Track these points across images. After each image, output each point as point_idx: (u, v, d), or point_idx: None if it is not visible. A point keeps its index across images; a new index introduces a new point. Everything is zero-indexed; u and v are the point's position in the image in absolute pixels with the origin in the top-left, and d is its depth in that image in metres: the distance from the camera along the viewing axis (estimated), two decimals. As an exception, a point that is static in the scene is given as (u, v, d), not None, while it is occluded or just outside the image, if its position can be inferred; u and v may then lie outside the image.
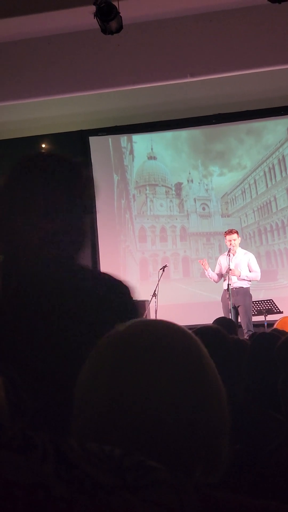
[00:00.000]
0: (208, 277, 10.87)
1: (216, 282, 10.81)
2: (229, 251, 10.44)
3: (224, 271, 10.51)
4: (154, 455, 1.03)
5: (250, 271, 10.60)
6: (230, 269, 10.30)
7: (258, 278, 10.70)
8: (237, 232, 10.73)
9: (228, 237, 10.62)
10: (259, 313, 10.72)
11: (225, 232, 10.80)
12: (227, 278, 10.36)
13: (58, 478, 0.69)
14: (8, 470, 0.68)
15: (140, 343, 1.21)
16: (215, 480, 1.19)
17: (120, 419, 1.12)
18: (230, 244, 10.52)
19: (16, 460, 0.69)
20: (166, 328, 1.25)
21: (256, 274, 10.63)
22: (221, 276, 10.69)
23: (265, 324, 10.50)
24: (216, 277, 10.75)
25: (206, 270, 10.74)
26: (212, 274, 10.79)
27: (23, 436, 0.72)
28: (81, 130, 13.46)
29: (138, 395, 1.14)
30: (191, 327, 2.33)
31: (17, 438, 0.71)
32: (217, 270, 10.81)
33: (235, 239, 10.58)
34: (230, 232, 10.68)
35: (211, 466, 1.19)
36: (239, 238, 10.77)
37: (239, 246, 10.80)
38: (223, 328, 3.24)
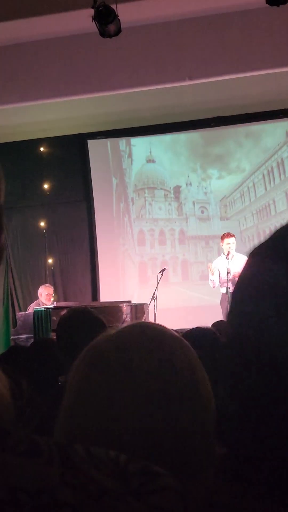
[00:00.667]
0: (210, 281, 10.84)
1: (214, 288, 10.80)
2: (228, 254, 10.45)
3: (223, 275, 10.50)
4: (147, 459, 1.03)
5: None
6: (229, 273, 10.30)
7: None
8: (234, 236, 10.73)
9: (227, 240, 10.61)
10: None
11: (224, 235, 10.77)
12: (225, 281, 10.35)
13: (63, 483, 0.69)
14: (13, 475, 0.68)
15: (129, 347, 1.21)
16: (207, 481, 1.18)
17: (109, 424, 1.12)
18: (230, 248, 10.52)
19: (22, 464, 0.69)
20: (154, 332, 1.25)
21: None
22: (221, 279, 10.68)
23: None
24: (217, 283, 10.74)
25: (213, 274, 10.69)
26: (216, 279, 10.78)
27: (28, 441, 0.72)
28: (80, 134, 13.48)
29: (127, 399, 1.14)
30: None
31: (23, 442, 0.71)
32: (217, 275, 10.80)
33: (234, 242, 10.58)
34: (228, 235, 10.67)
35: (199, 467, 1.18)
36: (235, 242, 10.75)
37: (236, 250, 10.80)
38: (220, 331, 3.24)
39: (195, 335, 3.03)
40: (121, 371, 1.17)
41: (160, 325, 1.29)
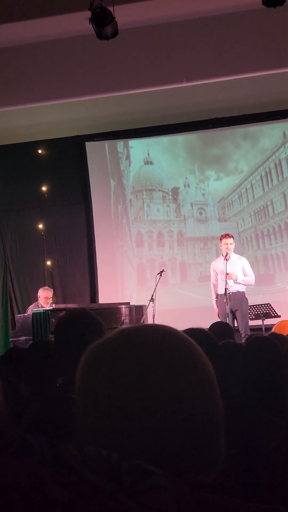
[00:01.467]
0: (212, 284, 10.83)
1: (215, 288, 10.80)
2: (226, 255, 10.44)
3: (220, 276, 10.50)
4: (151, 456, 1.03)
5: (244, 275, 10.61)
6: (228, 273, 10.30)
7: (253, 282, 10.72)
8: (232, 237, 10.74)
9: (224, 240, 10.60)
10: (257, 317, 10.71)
11: (222, 236, 10.78)
12: (223, 282, 10.35)
13: (55, 482, 0.69)
14: (5, 474, 0.67)
15: (135, 346, 1.21)
16: (210, 479, 1.18)
17: (117, 422, 1.12)
18: (227, 248, 10.52)
19: (14, 464, 0.68)
20: (160, 332, 1.25)
21: (251, 278, 10.65)
22: (217, 283, 10.67)
23: (263, 328, 10.50)
24: (214, 282, 10.76)
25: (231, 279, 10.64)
26: (212, 280, 10.78)
27: (21, 440, 0.72)
28: (78, 136, 13.48)
29: (134, 398, 1.14)
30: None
31: (15, 442, 0.71)
32: (213, 275, 10.80)
33: (232, 243, 10.58)
34: (227, 236, 10.67)
35: (207, 465, 1.18)
36: (234, 243, 10.76)
37: (234, 251, 10.79)
38: (219, 332, 3.25)
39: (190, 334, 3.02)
40: (125, 371, 1.17)
41: (163, 325, 1.29)
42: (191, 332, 3.17)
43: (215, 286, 10.78)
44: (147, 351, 1.20)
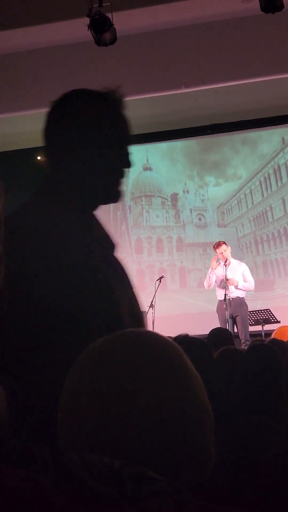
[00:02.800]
0: (207, 278, 10.78)
1: (208, 288, 10.74)
2: (225, 261, 10.44)
3: (220, 281, 10.50)
4: (143, 460, 1.04)
5: (244, 281, 10.60)
6: (228, 279, 10.30)
7: (253, 287, 10.72)
8: (225, 243, 10.65)
9: (218, 250, 10.54)
10: (257, 322, 10.71)
11: (214, 246, 10.70)
12: (223, 288, 10.35)
13: (58, 490, 0.69)
14: (8, 482, 0.67)
15: (124, 352, 1.23)
16: (203, 478, 1.19)
17: (106, 426, 1.13)
18: (222, 256, 10.48)
19: (16, 472, 0.68)
20: (149, 338, 1.27)
21: (251, 284, 10.64)
22: (216, 284, 10.66)
23: (263, 334, 10.49)
24: (212, 284, 10.70)
25: (212, 270, 10.63)
26: (212, 281, 10.73)
27: (22, 449, 0.71)
28: (77, 142, 13.47)
29: (122, 402, 1.16)
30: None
31: (17, 450, 0.71)
32: (213, 278, 10.80)
33: (225, 250, 10.53)
34: (219, 245, 10.59)
35: (199, 466, 1.19)
36: (229, 248, 10.70)
37: (233, 257, 10.78)
38: (218, 337, 3.26)
39: (182, 341, 3.03)
40: (116, 374, 1.19)
41: (153, 332, 1.32)
42: (182, 339, 3.17)
43: (208, 280, 10.71)
44: (131, 356, 1.22)
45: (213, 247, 10.77)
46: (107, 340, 1.27)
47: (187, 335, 3.26)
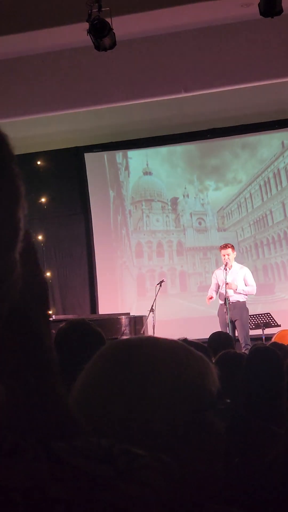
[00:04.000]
0: (207, 300, 10.81)
1: (212, 299, 10.77)
2: (225, 265, 10.45)
3: (221, 285, 10.51)
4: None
5: (246, 285, 10.60)
6: (227, 283, 10.30)
7: (254, 292, 10.72)
8: (232, 247, 10.71)
9: (223, 251, 10.62)
10: (257, 326, 10.72)
11: (220, 247, 10.82)
12: (224, 292, 10.35)
13: (53, 479, 0.69)
14: (3, 475, 0.68)
15: (131, 357, 1.24)
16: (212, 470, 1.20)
17: (108, 429, 1.14)
18: (226, 259, 10.51)
19: (8, 464, 0.69)
20: (155, 344, 1.28)
21: (252, 288, 10.64)
22: (217, 290, 10.67)
23: (263, 337, 10.50)
24: (214, 297, 10.72)
25: (208, 303, 10.69)
26: (212, 288, 10.77)
27: (10, 441, 0.72)
28: (77, 147, 13.50)
29: (126, 406, 1.16)
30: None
31: (6, 443, 0.71)
32: (213, 284, 10.80)
33: (229, 253, 10.56)
34: (225, 246, 10.68)
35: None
36: (234, 253, 10.75)
37: (235, 260, 10.79)
38: (219, 341, 3.26)
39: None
40: (134, 374, 1.20)
41: (158, 338, 1.33)
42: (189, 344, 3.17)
43: (211, 290, 10.77)
44: (137, 362, 1.23)
45: (219, 247, 10.84)
46: (118, 343, 1.28)
47: (185, 339, 3.27)
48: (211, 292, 10.76)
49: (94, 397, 1.19)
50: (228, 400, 1.27)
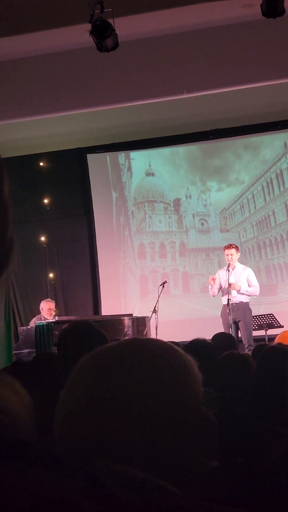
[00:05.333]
0: (209, 290, 10.81)
1: (213, 296, 10.77)
2: (228, 266, 10.45)
3: (224, 286, 10.50)
4: (138, 461, 1.05)
5: (249, 286, 10.60)
6: (230, 284, 10.30)
7: (257, 293, 10.71)
8: (236, 247, 10.71)
9: (226, 251, 10.63)
10: (260, 327, 10.71)
11: (224, 247, 10.82)
12: (226, 293, 10.35)
13: (86, 496, 0.69)
14: (37, 487, 0.68)
15: (126, 359, 1.24)
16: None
17: (105, 431, 1.14)
18: (229, 259, 10.51)
19: (45, 477, 0.69)
20: (151, 345, 1.28)
21: (256, 289, 10.63)
22: (220, 289, 10.66)
23: (266, 338, 10.49)
24: (216, 292, 10.71)
25: (212, 286, 10.66)
26: (215, 288, 10.75)
27: (51, 454, 0.72)
28: (79, 148, 13.50)
29: (122, 407, 1.16)
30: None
31: (46, 455, 0.72)
32: (216, 284, 10.80)
33: (232, 254, 10.56)
34: (229, 246, 10.68)
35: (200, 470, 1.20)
36: (238, 254, 10.75)
37: (238, 261, 10.79)
38: (221, 342, 3.26)
39: (195, 346, 3.05)
40: (120, 379, 1.20)
41: (155, 339, 1.33)
42: (194, 343, 3.18)
43: (212, 290, 10.74)
44: (137, 361, 1.23)
45: (224, 247, 10.84)
46: (110, 346, 1.28)
47: (204, 340, 3.26)
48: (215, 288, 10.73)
49: (85, 413, 1.19)
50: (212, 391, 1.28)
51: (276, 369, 3.16)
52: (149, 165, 13.82)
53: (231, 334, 9.19)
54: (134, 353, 1.25)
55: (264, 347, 3.91)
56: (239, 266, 10.72)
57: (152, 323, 10.73)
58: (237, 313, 10.36)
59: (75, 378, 1.25)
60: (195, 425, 1.22)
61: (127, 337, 10.07)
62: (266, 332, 10.67)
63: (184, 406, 1.22)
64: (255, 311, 10.90)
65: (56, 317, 11.22)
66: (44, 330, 9.95)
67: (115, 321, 10.53)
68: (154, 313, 10.73)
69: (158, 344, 1.29)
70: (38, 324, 10.29)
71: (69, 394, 1.23)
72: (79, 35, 9.32)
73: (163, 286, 11.03)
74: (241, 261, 11.04)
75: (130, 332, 10.35)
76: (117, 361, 1.23)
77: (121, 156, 13.89)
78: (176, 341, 3.73)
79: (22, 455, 0.71)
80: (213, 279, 10.62)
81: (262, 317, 10.83)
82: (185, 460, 1.19)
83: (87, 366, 1.26)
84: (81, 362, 1.27)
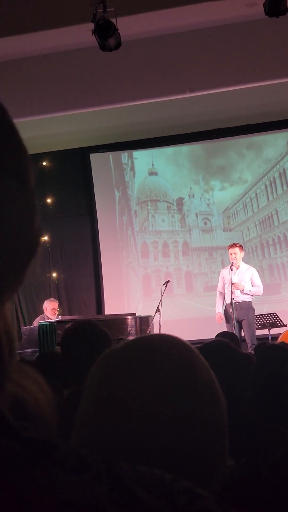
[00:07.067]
0: (218, 292, 10.83)
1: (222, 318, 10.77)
2: (231, 265, 10.45)
3: (227, 285, 10.50)
4: (155, 462, 1.04)
5: (252, 286, 10.59)
6: (234, 283, 10.30)
7: (261, 292, 10.70)
8: (240, 246, 10.71)
9: (230, 250, 10.62)
10: (263, 326, 10.70)
11: (228, 246, 10.82)
12: (230, 292, 10.35)
13: (111, 500, 0.69)
14: (62, 489, 0.67)
15: (140, 356, 1.23)
16: (215, 487, 1.19)
17: (120, 428, 1.13)
18: (234, 258, 10.51)
19: (70, 480, 0.68)
20: (165, 342, 1.27)
21: (259, 288, 10.63)
22: (223, 292, 10.67)
23: (269, 337, 10.48)
24: (222, 303, 10.73)
25: (219, 321, 10.67)
26: (219, 288, 10.77)
27: (76, 456, 0.72)
28: (82, 147, 13.51)
29: (137, 405, 1.16)
30: (195, 342, 2.33)
31: (71, 457, 0.71)
32: (220, 284, 10.80)
33: (236, 252, 10.56)
34: (233, 245, 10.68)
35: (210, 472, 1.20)
36: (242, 253, 10.74)
37: (242, 260, 10.78)
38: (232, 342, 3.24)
39: (213, 347, 3.04)
40: (139, 378, 1.19)
41: (169, 335, 1.31)
42: (214, 344, 3.16)
43: (221, 294, 10.77)
44: (157, 360, 1.22)
45: (228, 246, 10.84)
46: (129, 343, 1.27)
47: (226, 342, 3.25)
48: (220, 292, 10.75)
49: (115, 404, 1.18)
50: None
51: (276, 366, 3.15)
52: (152, 165, 13.82)
53: (234, 333, 9.19)
54: (152, 352, 1.24)
55: (265, 345, 3.91)
56: (243, 266, 10.72)
57: (155, 322, 10.73)
58: (240, 312, 10.36)
59: (93, 378, 1.24)
60: (217, 425, 1.21)
61: (130, 337, 10.08)
62: (269, 331, 10.66)
63: (214, 406, 1.21)
64: (258, 310, 10.89)
65: (60, 316, 11.22)
66: (48, 329, 9.96)
67: (119, 321, 10.53)
68: (158, 312, 10.73)
69: (176, 342, 1.28)
70: (41, 323, 10.29)
71: (89, 395, 1.23)
72: (82, 34, 9.32)
73: (166, 285, 11.02)
74: (244, 260, 11.03)
75: (133, 332, 10.35)
76: (136, 359, 1.22)
77: (124, 155, 13.89)
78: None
79: (49, 457, 0.71)
80: (221, 317, 10.65)
81: (265, 316, 10.82)
82: (208, 460, 1.19)
83: (105, 365, 1.25)
84: (100, 361, 1.26)
